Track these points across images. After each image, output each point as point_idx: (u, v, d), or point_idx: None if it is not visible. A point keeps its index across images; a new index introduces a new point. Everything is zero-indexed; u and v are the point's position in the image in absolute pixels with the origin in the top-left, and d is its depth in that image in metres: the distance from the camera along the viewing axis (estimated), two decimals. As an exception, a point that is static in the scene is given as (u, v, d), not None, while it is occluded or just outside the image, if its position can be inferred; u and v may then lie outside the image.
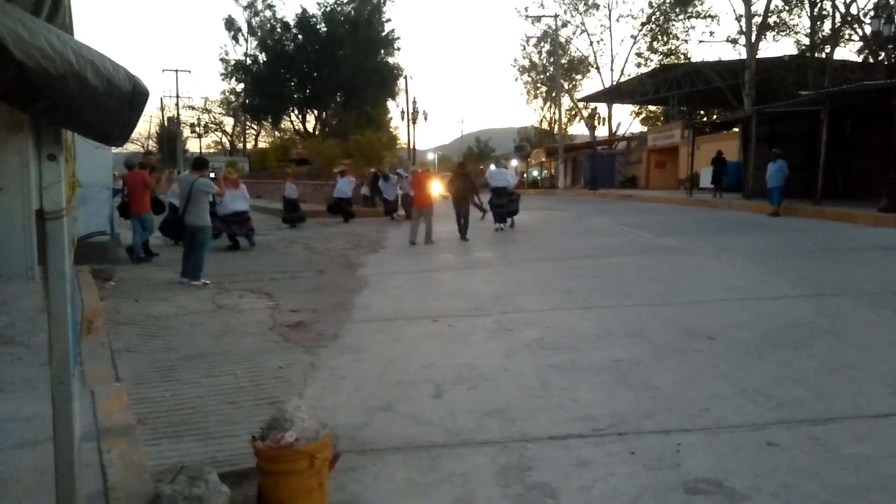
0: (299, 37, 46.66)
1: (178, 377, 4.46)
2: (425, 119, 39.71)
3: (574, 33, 44.47)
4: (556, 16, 42.26)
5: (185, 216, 8.24)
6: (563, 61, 43.74)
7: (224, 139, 62.49)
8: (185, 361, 4.82)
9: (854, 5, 28.75)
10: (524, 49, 48.27)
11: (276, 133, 52.23)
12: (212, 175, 10.46)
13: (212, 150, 59.39)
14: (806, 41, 31.70)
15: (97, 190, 9.72)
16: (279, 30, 47.25)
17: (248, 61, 48.44)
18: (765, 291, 6.75)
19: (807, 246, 10.29)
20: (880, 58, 28.13)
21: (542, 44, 46.47)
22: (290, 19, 47.26)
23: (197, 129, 57.44)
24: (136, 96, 1.88)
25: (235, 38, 49.14)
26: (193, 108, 57.06)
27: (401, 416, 3.63)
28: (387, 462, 3.08)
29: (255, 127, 57.42)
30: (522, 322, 5.73)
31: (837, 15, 29.62)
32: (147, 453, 3.08)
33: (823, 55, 30.59)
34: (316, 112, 49.71)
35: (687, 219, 16.39)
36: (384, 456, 3.15)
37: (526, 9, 44.23)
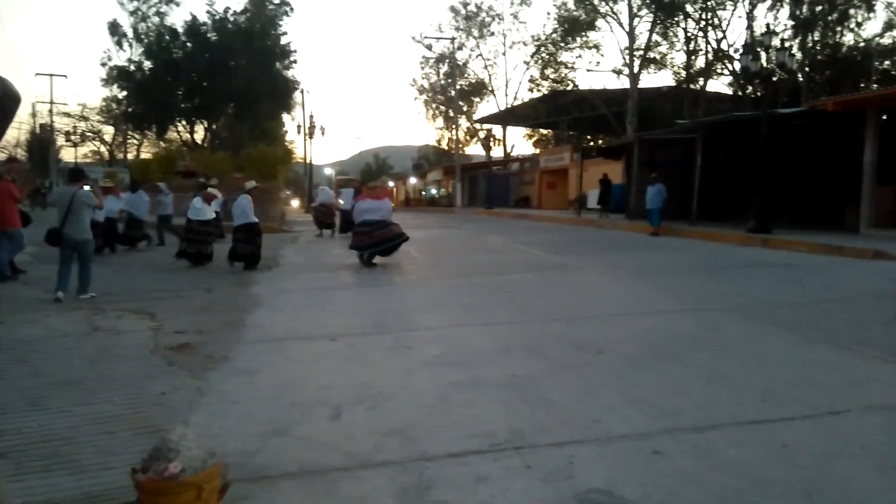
0: (188, 44, 44.81)
1: (48, 406, 4.06)
2: (322, 134, 39.23)
3: (470, 57, 45.68)
4: (452, 38, 43.21)
5: (64, 229, 7.84)
6: (460, 83, 44.70)
7: (103, 149, 58.72)
8: (55, 388, 4.40)
9: (724, 41, 31.44)
10: (423, 69, 48.91)
11: (161, 143, 49.66)
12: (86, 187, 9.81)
13: (89, 160, 55.61)
14: (683, 74, 34.27)
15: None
16: (167, 37, 45.14)
17: (132, 68, 45.87)
18: (648, 306, 7.14)
19: (685, 264, 11.01)
20: (748, 91, 30.95)
21: (440, 65, 47.29)
22: (180, 26, 45.32)
23: (73, 137, 53.62)
24: (5, 101, 1.71)
25: (119, 44, 46.41)
26: (69, 115, 53.32)
27: (296, 440, 3.49)
28: (280, 489, 2.94)
29: (138, 137, 54.39)
30: (422, 339, 5.72)
31: (710, 51, 32.27)
32: (11, 491, 2.76)
33: (698, 86, 33.17)
34: (205, 123, 47.79)
35: (576, 237, 17.13)
36: (277, 483, 3.00)
37: (422, 35, 45.00)
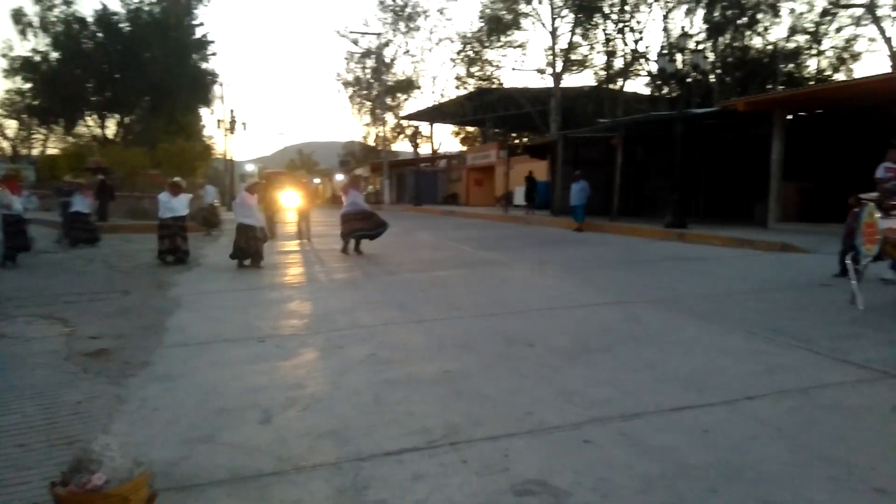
0: (98, 35, 42.55)
1: (-52, 421, 3.77)
2: (244, 129, 38.17)
3: (396, 53, 45.56)
4: (378, 34, 42.93)
5: None
6: (385, 77, 44.48)
7: (5, 144, 54.87)
8: (-45, 401, 4.09)
9: (641, 43, 32.65)
10: (348, 64, 48.38)
11: (70, 138, 46.88)
12: None
13: (-11, 156, 51.83)
14: (603, 74, 35.34)
15: None
16: (75, 26, 42.66)
17: (38, 58, 43.10)
18: (575, 300, 7.33)
19: (608, 258, 11.37)
20: (664, 91, 32.25)
21: (365, 59, 46.92)
22: (89, 16, 42.95)
23: (-31, 131, 49.84)
24: None
25: (23, 33, 43.49)
26: (-35, 108, 49.48)
27: (225, 446, 3.37)
28: (210, 497, 2.84)
29: (44, 131, 51.15)
30: (354, 339, 5.65)
31: (628, 52, 33.42)
32: None
33: (618, 87, 34.28)
34: (118, 117, 45.53)
35: (504, 234, 17.38)
36: (207, 491, 2.90)
37: (347, 28, 44.63)
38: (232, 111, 36.89)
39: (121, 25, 42.85)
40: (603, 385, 4.23)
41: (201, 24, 45.07)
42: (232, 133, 39.33)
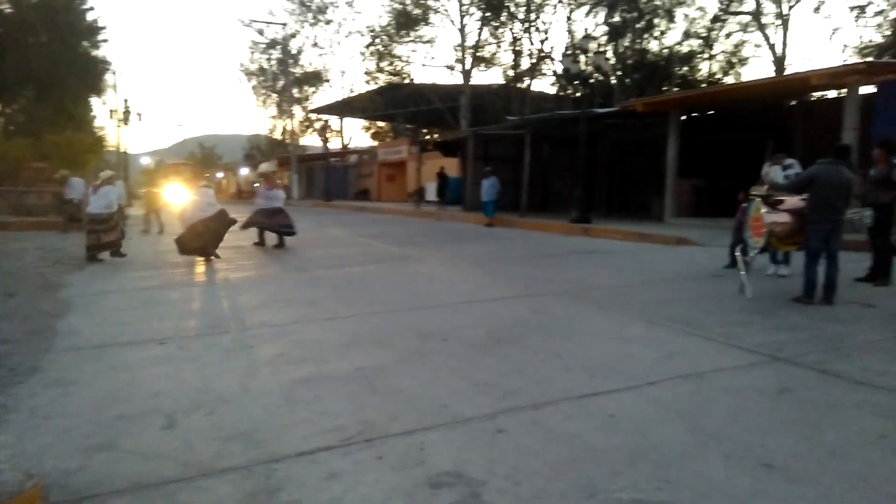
0: (-25, 17, 39.03)
1: None
2: (139, 119, 36.26)
3: (304, 45, 44.58)
4: (284, 24, 41.85)
5: None
6: (293, 70, 43.42)
7: None
8: None
9: (546, 44, 33.54)
10: (252, 54, 46.89)
11: (-57, 130, 42.84)
12: None
13: None
14: (511, 73, 36.05)
15: None
16: (-53, 6, 38.93)
17: None
18: (487, 294, 7.45)
19: (517, 253, 11.65)
20: (569, 91, 33.30)
21: (271, 50, 45.63)
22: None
23: None
24: None
25: None
26: None
27: (125, 454, 3.19)
28: (110, 508, 2.69)
29: (-88, 121, 46.46)
30: (264, 338, 5.50)
31: (535, 52, 34.26)
32: None
33: (525, 86, 35.06)
34: (-1, 106, 42.00)
35: (416, 230, 17.42)
36: (107, 501, 2.73)
37: (251, 20, 43.24)
38: (126, 101, 34.93)
39: (1, 7, 39.50)
40: (514, 376, 4.33)
41: (92, 9, 42.17)
42: (126, 124, 37.29)
